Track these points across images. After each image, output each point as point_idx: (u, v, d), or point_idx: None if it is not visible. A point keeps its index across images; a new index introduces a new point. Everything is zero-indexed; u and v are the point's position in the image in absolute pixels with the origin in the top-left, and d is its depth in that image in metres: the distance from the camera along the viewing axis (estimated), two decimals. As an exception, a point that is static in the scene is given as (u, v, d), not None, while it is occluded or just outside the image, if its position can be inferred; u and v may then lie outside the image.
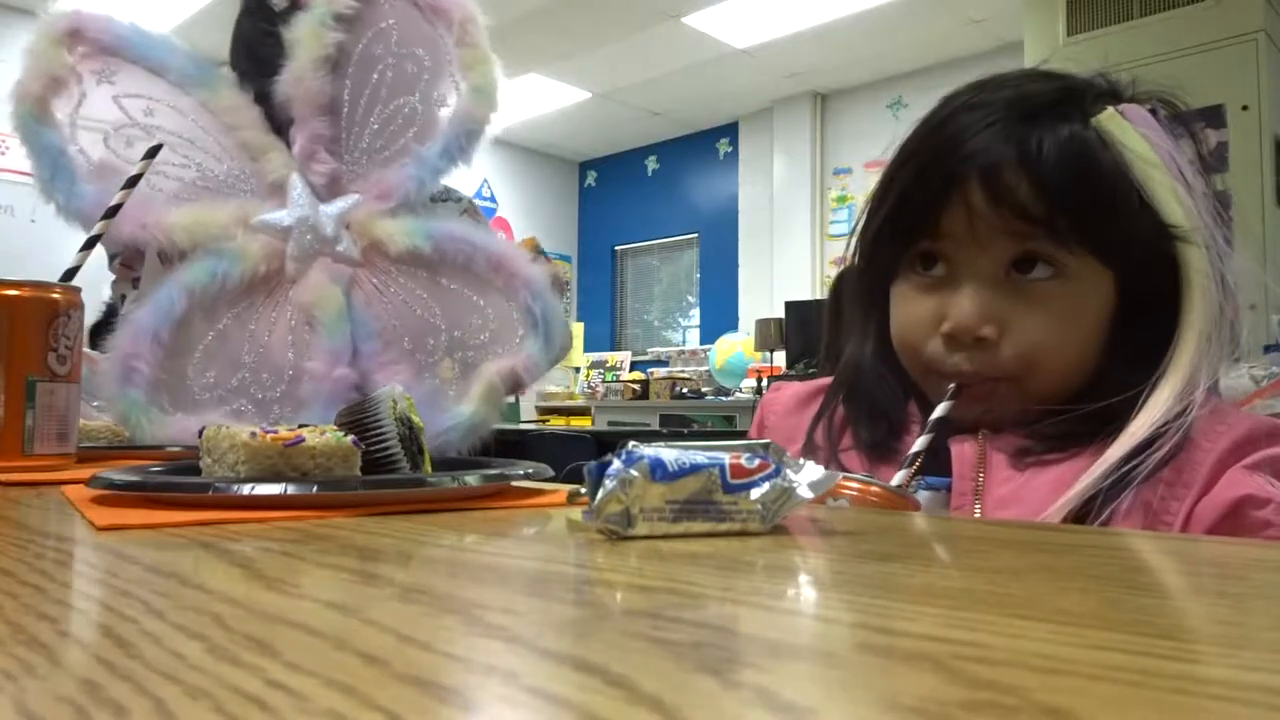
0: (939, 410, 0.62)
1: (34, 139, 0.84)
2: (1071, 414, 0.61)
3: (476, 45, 0.87)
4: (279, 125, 0.90)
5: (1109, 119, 0.61)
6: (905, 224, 0.66)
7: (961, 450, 0.63)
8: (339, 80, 0.89)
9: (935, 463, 0.63)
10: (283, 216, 0.85)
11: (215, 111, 0.90)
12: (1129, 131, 0.60)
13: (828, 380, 0.76)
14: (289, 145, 0.89)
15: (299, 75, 0.86)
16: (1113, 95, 0.64)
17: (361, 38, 0.88)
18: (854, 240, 0.73)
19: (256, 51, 0.95)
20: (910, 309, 0.67)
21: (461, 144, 0.87)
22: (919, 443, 0.61)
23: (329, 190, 0.88)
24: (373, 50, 0.88)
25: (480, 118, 0.87)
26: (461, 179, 1.22)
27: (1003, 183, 0.60)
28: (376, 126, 0.89)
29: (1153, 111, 0.63)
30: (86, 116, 0.87)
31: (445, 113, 0.88)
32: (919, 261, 0.66)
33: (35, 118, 0.85)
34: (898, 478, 0.60)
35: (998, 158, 0.61)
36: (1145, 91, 0.65)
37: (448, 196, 1.18)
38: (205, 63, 0.91)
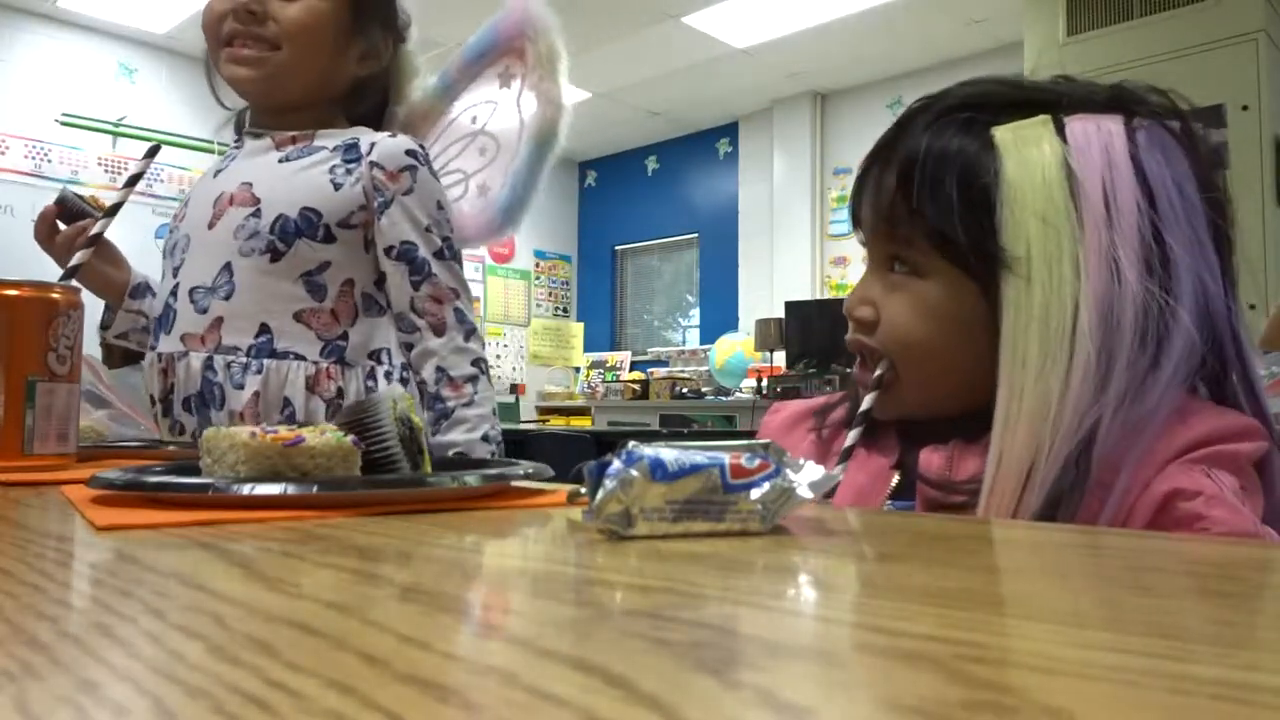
0: (865, 403, 0.67)
1: None
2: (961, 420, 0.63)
3: None
4: None
5: (1013, 130, 0.60)
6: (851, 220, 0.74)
7: (929, 463, 0.63)
8: None
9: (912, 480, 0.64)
10: None
11: None
12: (1032, 144, 0.59)
13: (825, 398, 0.78)
14: None
15: None
16: (1084, 106, 0.62)
17: None
18: None
19: None
20: None
21: None
22: (850, 436, 0.66)
23: None
24: None
25: None
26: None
27: (882, 183, 0.67)
28: None
29: (1133, 130, 0.59)
30: None
31: None
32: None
33: None
34: (835, 470, 0.61)
35: (887, 161, 0.66)
36: (1148, 104, 0.62)
37: None
38: None
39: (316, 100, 1.13)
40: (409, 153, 1.08)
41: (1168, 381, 0.56)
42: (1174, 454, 0.55)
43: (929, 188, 0.62)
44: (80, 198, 1.14)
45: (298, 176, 1.06)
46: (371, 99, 1.20)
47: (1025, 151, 0.59)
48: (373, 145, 1.07)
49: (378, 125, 1.19)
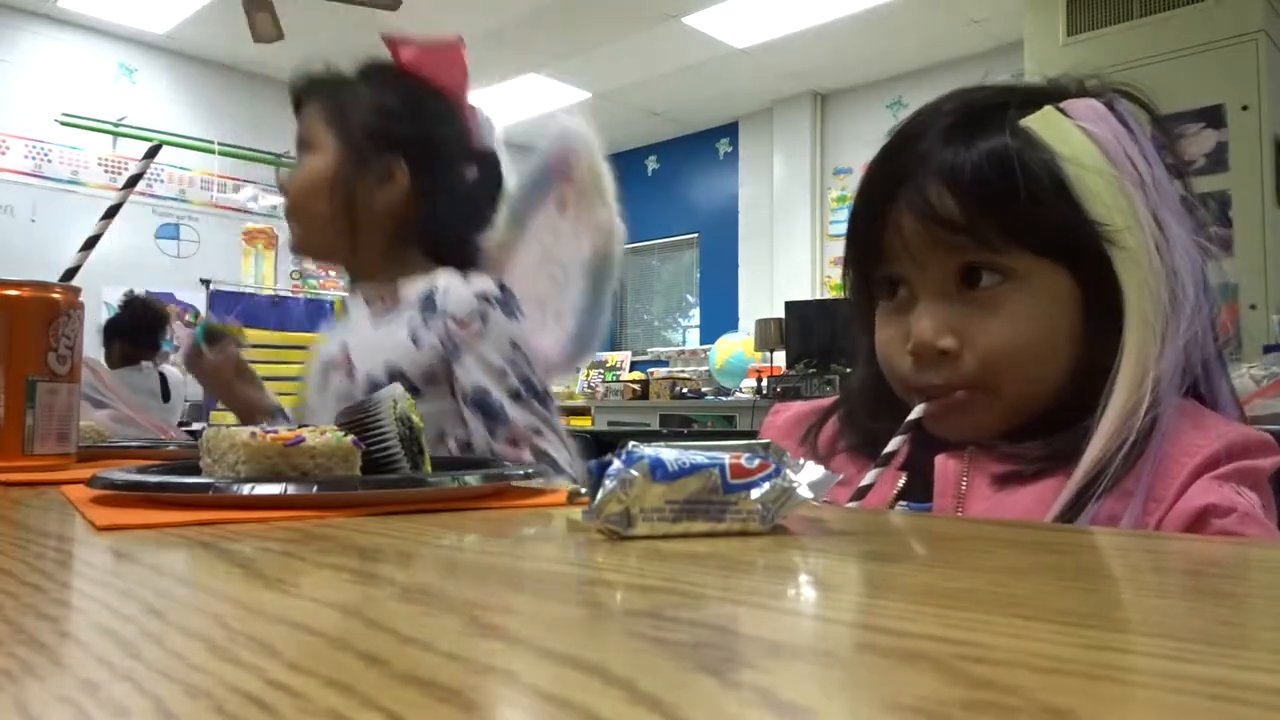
0: (914, 413, 0.63)
1: None
2: (1048, 431, 0.61)
3: None
4: None
5: (1038, 120, 0.61)
6: (857, 251, 0.70)
7: (945, 468, 0.63)
8: None
9: (922, 480, 0.64)
10: None
11: None
12: (1061, 128, 0.60)
13: (828, 400, 0.77)
14: None
15: None
16: (1061, 95, 0.64)
17: None
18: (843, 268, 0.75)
19: None
20: (884, 333, 0.68)
21: None
22: (893, 443, 0.62)
23: None
24: None
25: None
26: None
27: (925, 199, 0.62)
28: None
29: (1109, 105, 0.62)
30: None
31: None
32: (885, 286, 0.68)
33: None
34: (870, 475, 0.61)
35: (920, 178, 0.63)
36: (1106, 85, 0.65)
37: None
38: None
39: (369, 243, 1.13)
40: (479, 296, 1.06)
41: (1178, 352, 0.58)
42: (1198, 467, 0.56)
43: (1001, 187, 0.60)
44: (220, 327, 1.23)
45: (383, 335, 1.08)
46: (434, 228, 1.16)
47: (1060, 133, 0.60)
48: (446, 293, 1.07)
49: (463, 259, 1.16)
